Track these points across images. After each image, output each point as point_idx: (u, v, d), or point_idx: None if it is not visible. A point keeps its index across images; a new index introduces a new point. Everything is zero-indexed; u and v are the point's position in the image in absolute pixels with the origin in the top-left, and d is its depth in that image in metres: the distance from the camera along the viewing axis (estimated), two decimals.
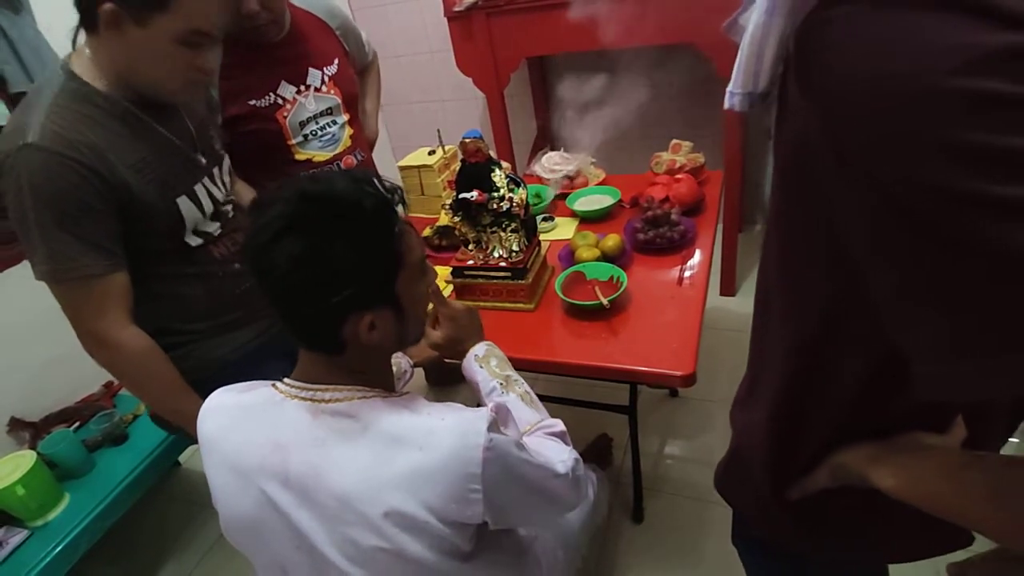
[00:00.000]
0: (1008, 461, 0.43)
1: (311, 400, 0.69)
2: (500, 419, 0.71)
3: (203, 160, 1.08)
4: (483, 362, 0.94)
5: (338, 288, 0.63)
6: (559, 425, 0.86)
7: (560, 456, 0.79)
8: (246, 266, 0.68)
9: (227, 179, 1.16)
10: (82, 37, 0.94)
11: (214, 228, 1.11)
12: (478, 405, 0.95)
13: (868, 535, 0.62)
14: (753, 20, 0.50)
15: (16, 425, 1.65)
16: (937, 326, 0.37)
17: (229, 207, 1.16)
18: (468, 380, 0.96)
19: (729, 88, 0.58)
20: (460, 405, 0.71)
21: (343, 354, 0.70)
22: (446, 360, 1.04)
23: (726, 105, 0.61)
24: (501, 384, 0.90)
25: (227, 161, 1.17)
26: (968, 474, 0.45)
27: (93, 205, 0.91)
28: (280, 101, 1.34)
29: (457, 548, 0.67)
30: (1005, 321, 0.34)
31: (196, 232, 1.07)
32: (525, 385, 0.93)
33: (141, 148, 0.97)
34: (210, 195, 1.09)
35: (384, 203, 0.67)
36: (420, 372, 2.20)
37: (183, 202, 1.03)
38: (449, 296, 1.38)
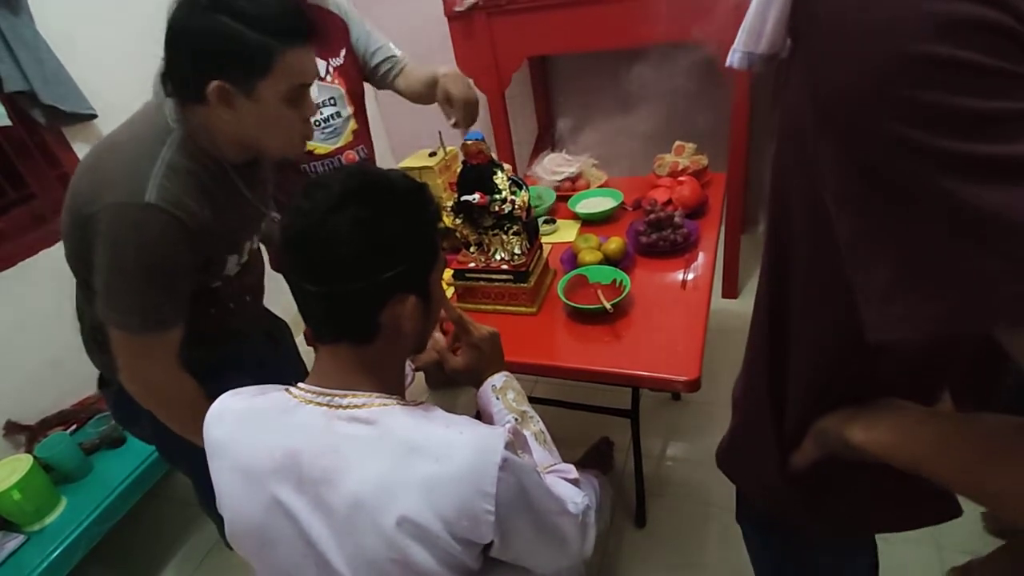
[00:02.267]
0: (959, 417, 0.48)
1: (328, 405, 0.68)
2: (517, 443, 0.70)
3: (276, 216, 1.10)
4: (500, 393, 0.93)
5: (392, 262, 0.66)
6: (573, 472, 0.84)
7: (573, 496, 0.78)
8: (293, 245, 0.66)
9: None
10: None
11: (234, 272, 1.11)
12: (477, 415, 0.94)
13: (862, 505, 0.65)
14: None
15: (12, 428, 1.64)
16: (884, 269, 0.40)
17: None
18: (481, 409, 0.95)
19: (733, 46, 0.62)
20: (478, 421, 0.70)
21: (371, 345, 0.70)
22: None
23: (727, 62, 0.65)
24: (516, 419, 0.89)
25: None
26: (925, 428, 0.50)
27: (186, 265, 0.94)
28: None
29: (466, 566, 0.66)
30: (941, 266, 0.36)
31: (221, 276, 1.09)
32: (541, 424, 0.92)
33: (230, 216, 0.99)
34: (250, 248, 1.12)
35: (433, 198, 0.73)
36: (420, 375, 2.18)
37: (232, 257, 1.06)
38: (450, 299, 1.37)
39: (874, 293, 0.41)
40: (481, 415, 0.94)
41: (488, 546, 0.66)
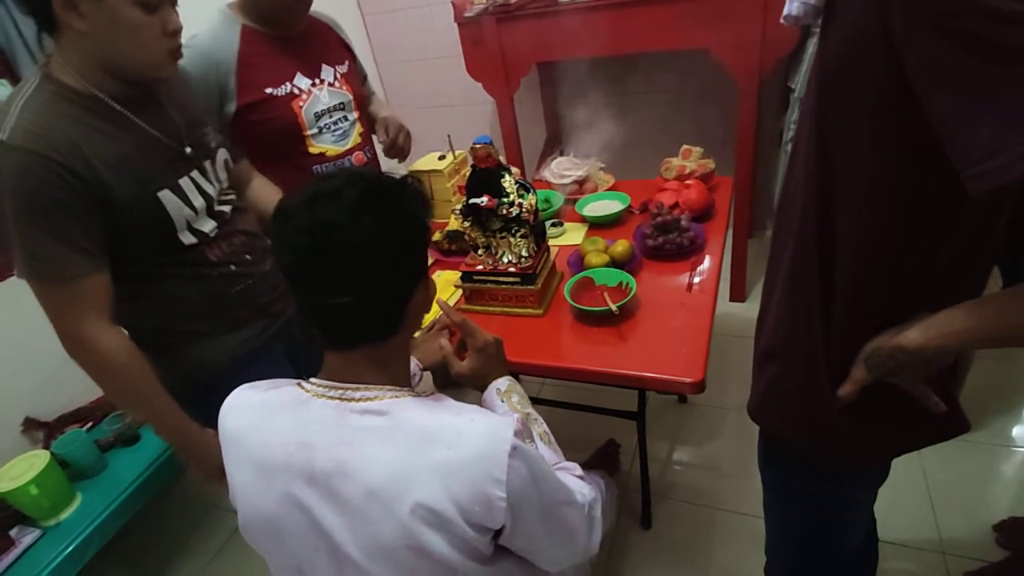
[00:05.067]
0: (1006, 291, 0.57)
1: (340, 399, 0.70)
2: (525, 434, 0.71)
3: (190, 151, 1.06)
4: (504, 396, 0.94)
5: (413, 252, 0.71)
6: (578, 469, 0.86)
7: (580, 489, 0.80)
8: (316, 261, 0.67)
9: (222, 175, 1.14)
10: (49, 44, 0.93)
11: (210, 228, 1.08)
12: None
13: (895, 426, 0.74)
14: None
15: (30, 425, 1.67)
16: (986, 128, 0.48)
17: (228, 208, 1.13)
18: None
19: None
20: (488, 410, 0.72)
21: (390, 340, 0.73)
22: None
23: (784, 12, 0.74)
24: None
25: (222, 155, 1.15)
26: (984, 307, 0.58)
27: (70, 204, 0.90)
28: (296, 91, 1.38)
29: (478, 552, 0.67)
30: None
31: (190, 230, 1.05)
32: (544, 426, 0.94)
33: (121, 145, 0.96)
34: (200, 189, 1.06)
35: (420, 188, 0.78)
36: (427, 375, 2.20)
37: (166, 196, 1.00)
38: (457, 302, 1.38)
39: (977, 152, 0.48)
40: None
41: (499, 533, 0.67)
